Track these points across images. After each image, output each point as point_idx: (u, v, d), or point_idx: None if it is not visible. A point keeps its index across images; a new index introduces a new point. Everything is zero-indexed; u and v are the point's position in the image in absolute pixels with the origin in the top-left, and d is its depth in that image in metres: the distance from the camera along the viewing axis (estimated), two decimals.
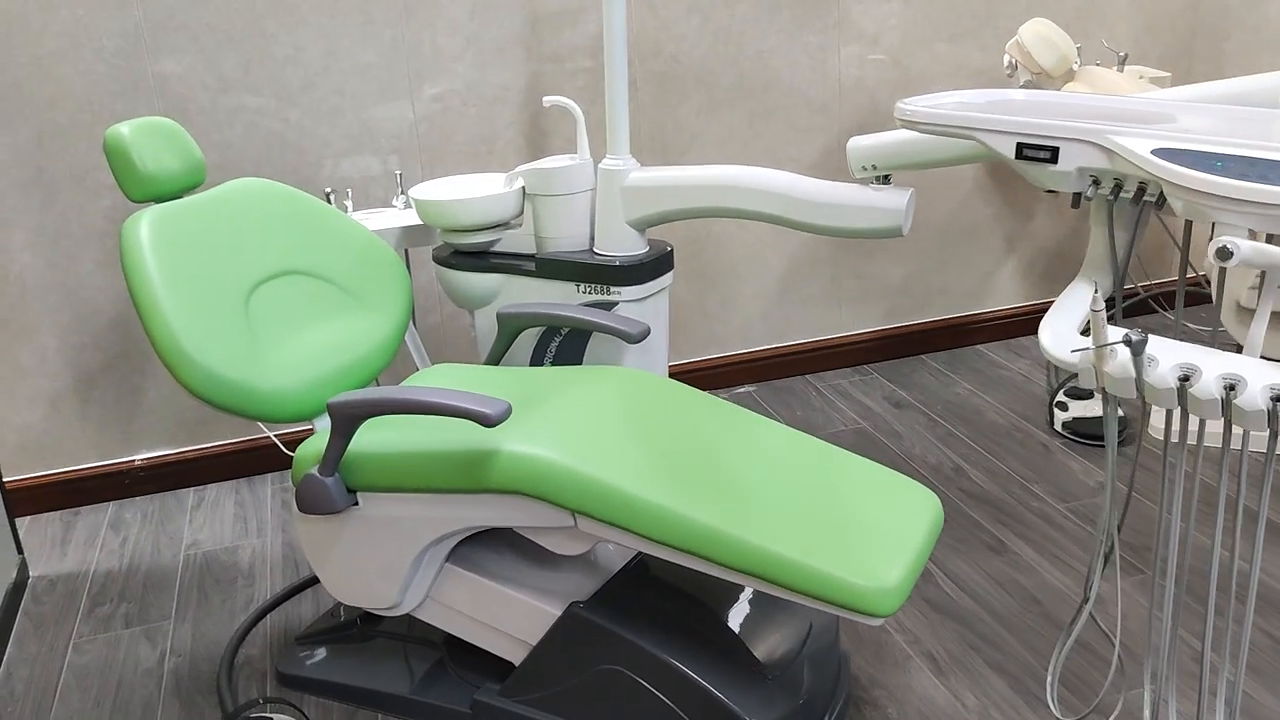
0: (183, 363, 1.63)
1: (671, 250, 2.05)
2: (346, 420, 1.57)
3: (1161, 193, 1.21)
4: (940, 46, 2.84)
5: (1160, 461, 2.44)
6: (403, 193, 2.33)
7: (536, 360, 2.06)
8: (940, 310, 3.10)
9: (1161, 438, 2.54)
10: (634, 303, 1.98)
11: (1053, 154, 1.27)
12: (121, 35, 2.32)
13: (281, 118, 2.45)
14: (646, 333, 1.80)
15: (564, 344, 2.03)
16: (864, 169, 1.76)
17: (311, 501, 1.64)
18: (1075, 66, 2.51)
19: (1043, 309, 3.16)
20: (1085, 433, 2.54)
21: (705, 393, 1.75)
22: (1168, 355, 1.19)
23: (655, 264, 2.00)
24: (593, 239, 2.05)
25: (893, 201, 1.74)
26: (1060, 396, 2.63)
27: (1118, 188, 1.25)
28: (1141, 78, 2.66)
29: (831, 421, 2.74)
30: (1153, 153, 1.17)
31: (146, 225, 1.71)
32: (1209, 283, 3.25)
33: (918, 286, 3.05)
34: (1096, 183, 1.27)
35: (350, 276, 1.92)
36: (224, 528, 2.43)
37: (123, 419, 2.55)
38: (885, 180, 1.76)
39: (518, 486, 1.53)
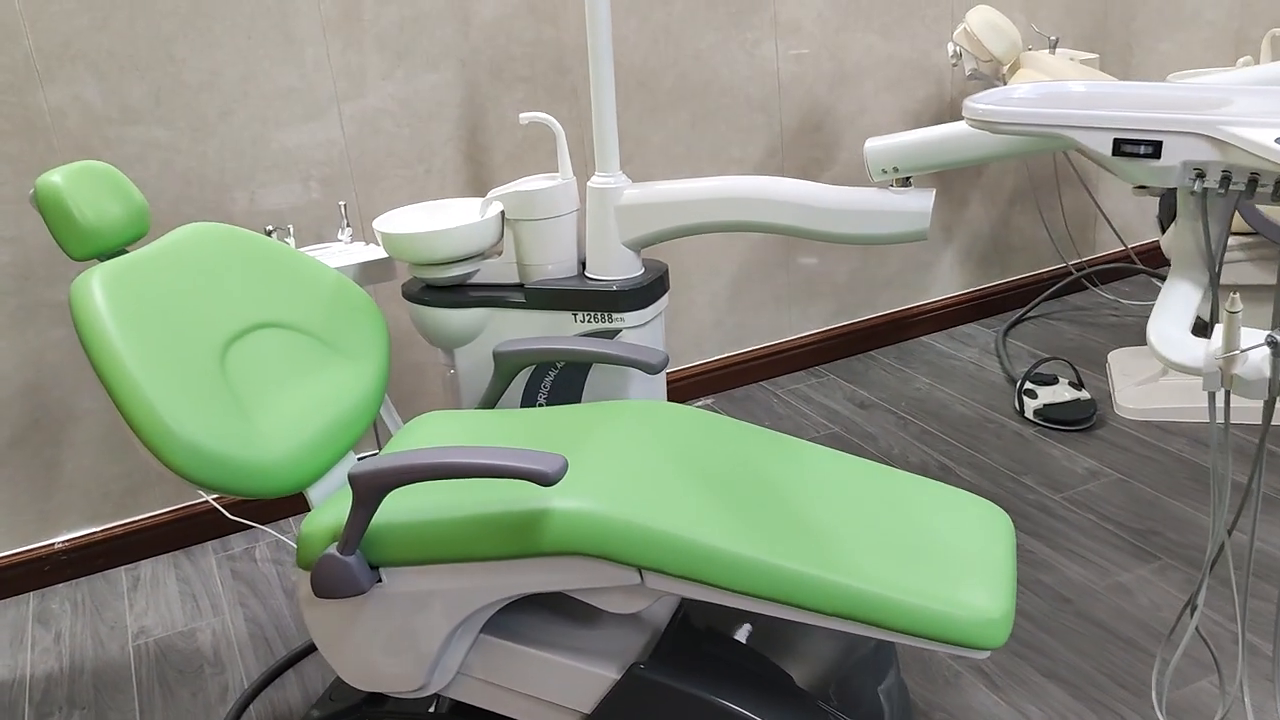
0: (167, 440, 1.41)
1: (667, 269, 1.92)
2: (372, 492, 1.39)
3: (1278, 184, 1.16)
4: (872, 38, 2.79)
5: (1137, 441, 2.45)
6: (348, 225, 2.13)
7: (529, 399, 1.90)
8: (885, 305, 3.07)
9: (1130, 417, 2.55)
10: (637, 329, 1.84)
11: (1155, 148, 1.20)
12: (9, 68, 2.04)
13: (198, 151, 2.21)
14: (666, 361, 1.67)
15: (559, 379, 1.88)
16: (884, 172, 1.67)
17: (332, 585, 1.45)
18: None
19: (979, 296, 3.16)
20: (1058, 418, 2.53)
21: (734, 419, 1.64)
22: None
23: (655, 286, 1.87)
24: (583, 263, 1.90)
25: (918, 204, 1.66)
26: (1027, 384, 2.62)
27: (1225, 180, 1.19)
28: (1073, 59, 2.67)
29: (802, 429, 2.67)
30: (1277, 141, 1.12)
31: (99, 287, 1.48)
32: (1135, 259, 3.32)
33: (862, 282, 3.01)
34: (1200, 176, 1.20)
35: (324, 325, 1.72)
36: (171, 609, 2.18)
37: (38, 497, 2.27)
38: (906, 183, 1.68)
39: (577, 547, 1.38)
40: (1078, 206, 3.24)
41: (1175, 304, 1.25)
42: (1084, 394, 2.57)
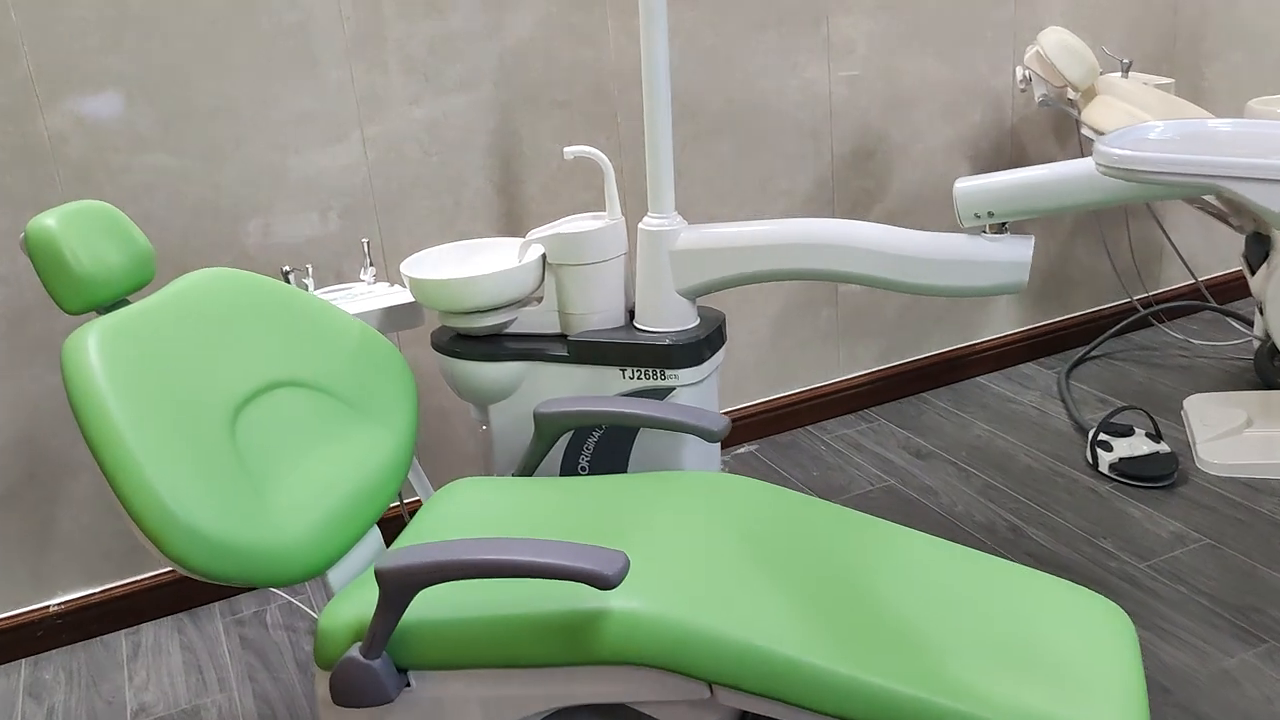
0: (167, 526, 1.23)
1: (724, 319, 1.74)
2: (403, 591, 1.21)
3: None
4: (928, 61, 2.60)
5: (1223, 501, 2.25)
6: (371, 264, 1.95)
7: (569, 464, 1.72)
8: (937, 344, 2.87)
9: (1214, 473, 2.35)
10: (692, 386, 1.66)
11: None
12: (7, 90, 1.87)
13: (211, 182, 2.04)
14: (728, 428, 1.48)
15: (604, 442, 1.70)
16: (976, 216, 1.48)
17: (356, 693, 1.26)
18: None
19: (1038, 334, 2.97)
20: (1136, 474, 2.33)
21: (807, 495, 1.45)
22: None
23: (713, 338, 1.68)
24: (631, 313, 1.72)
25: (1016, 253, 1.47)
26: (1101, 435, 2.42)
27: None
28: (1148, 84, 2.48)
29: (855, 481, 2.47)
30: None
31: (95, 345, 1.30)
32: (1207, 294, 3.12)
33: (914, 320, 2.82)
34: None
35: (347, 383, 1.54)
36: (174, 681, 2.00)
37: (31, 557, 2.09)
38: (1001, 229, 1.50)
39: (638, 657, 1.20)
40: (1141, 236, 3.05)
41: None
42: (1163, 447, 2.37)
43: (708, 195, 2.47)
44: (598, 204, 2.36)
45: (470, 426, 2.35)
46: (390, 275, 2.22)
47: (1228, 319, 3.10)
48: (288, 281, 1.89)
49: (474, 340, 1.75)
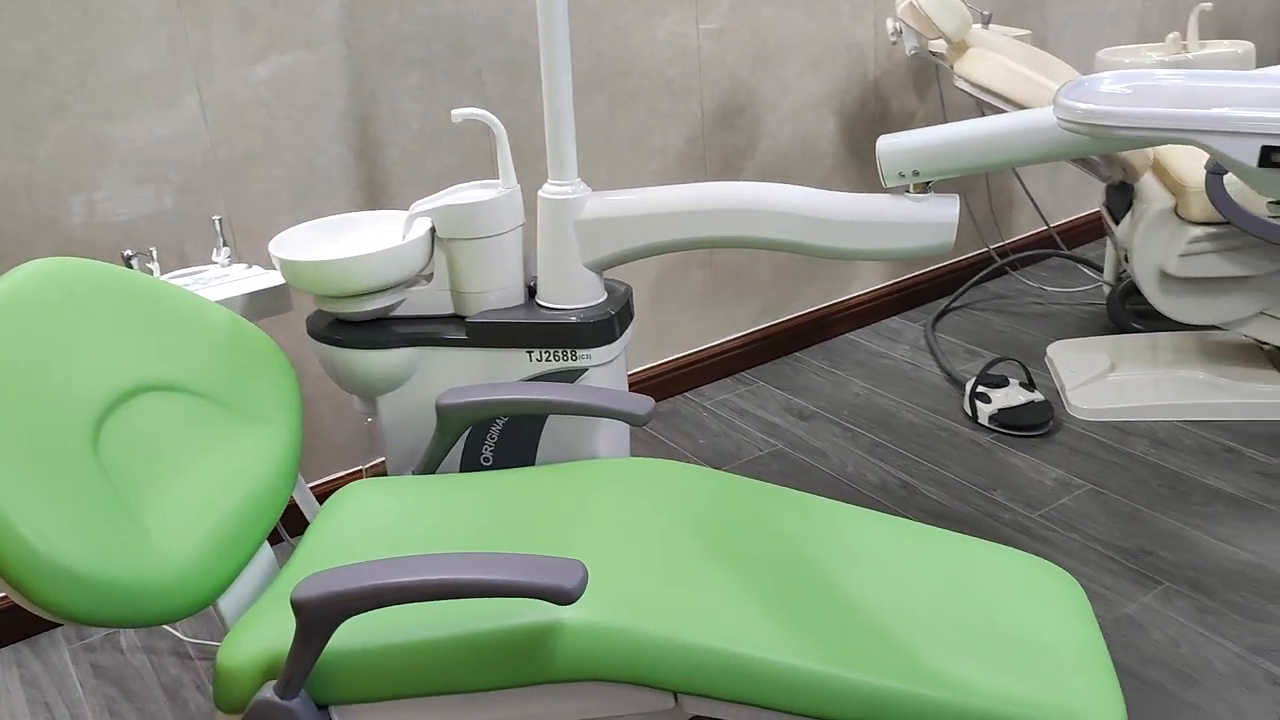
0: (32, 568, 1.04)
1: (631, 291, 1.63)
2: (325, 623, 1.06)
3: None
4: (794, 15, 2.54)
5: (1099, 446, 2.31)
6: (225, 244, 1.75)
7: (471, 458, 1.58)
8: (809, 302, 2.85)
9: (1086, 418, 2.41)
10: (604, 366, 1.54)
11: None
12: None
13: (24, 154, 1.78)
14: (653, 411, 1.38)
15: (508, 432, 1.57)
16: (901, 176, 1.42)
17: None
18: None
19: (903, 287, 2.98)
20: (1013, 424, 2.37)
21: (741, 477, 1.37)
22: None
23: (623, 314, 1.57)
24: (531, 289, 1.59)
25: (942, 214, 1.42)
26: (979, 387, 2.44)
27: None
28: (1006, 35, 2.49)
29: (743, 448, 2.42)
30: None
31: None
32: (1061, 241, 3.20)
33: (787, 279, 2.78)
34: None
35: (220, 381, 1.36)
36: None
37: None
38: (925, 188, 1.44)
39: (598, 672, 1.09)
40: (995, 186, 3.10)
41: None
42: (1038, 396, 2.41)
43: (580, 156, 2.34)
44: (466, 170, 2.20)
45: (341, 416, 2.17)
46: (247, 256, 2.01)
47: (1078, 265, 3.20)
48: (129, 268, 1.67)
49: (358, 326, 1.58)
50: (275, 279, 1.65)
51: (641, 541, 1.23)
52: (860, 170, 2.79)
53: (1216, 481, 2.16)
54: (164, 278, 1.71)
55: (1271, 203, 2.03)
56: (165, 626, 1.96)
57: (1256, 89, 1.13)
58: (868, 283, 2.94)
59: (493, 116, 1.55)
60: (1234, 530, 2.01)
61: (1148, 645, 1.76)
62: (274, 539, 2.13)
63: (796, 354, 2.83)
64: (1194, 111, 1.02)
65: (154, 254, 1.69)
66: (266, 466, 1.34)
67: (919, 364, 2.73)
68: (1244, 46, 2.63)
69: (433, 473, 1.49)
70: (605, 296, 1.58)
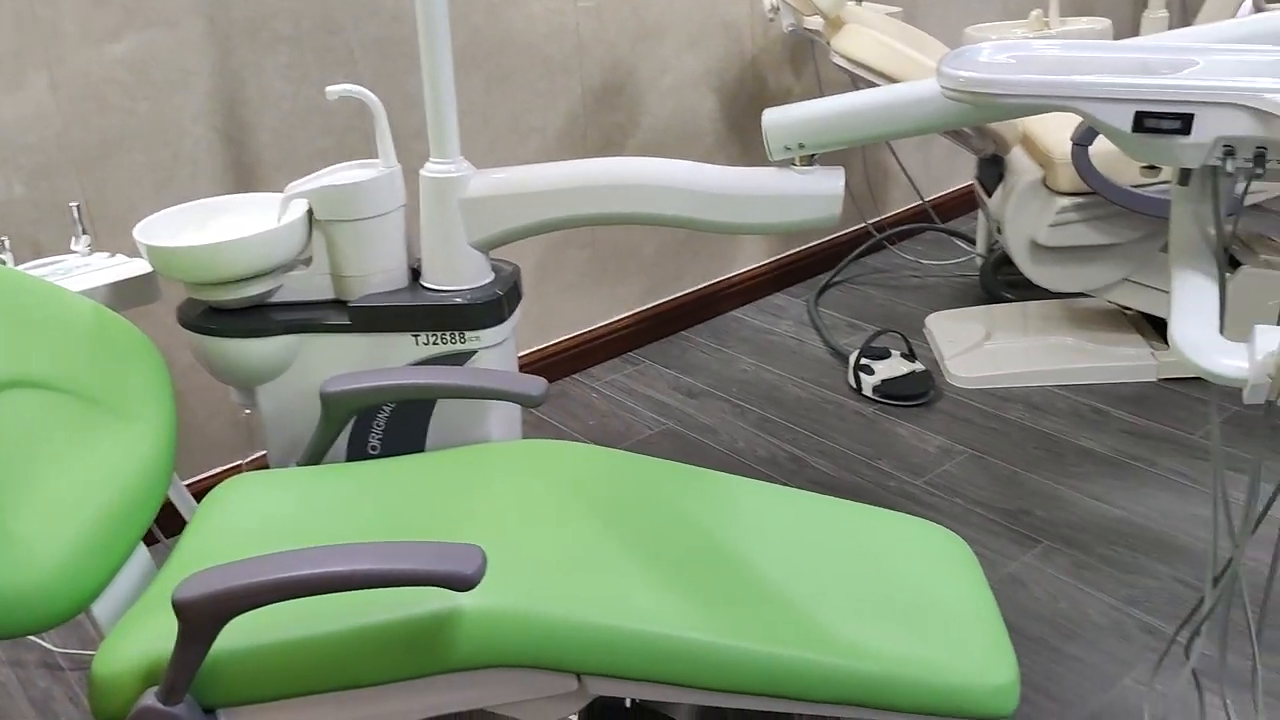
0: None
1: (519, 271, 1.59)
2: (211, 623, 1.01)
3: None
4: None
5: (978, 413, 2.37)
6: (85, 232, 1.65)
7: (358, 447, 1.53)
8: (693, 280, 2.85)
9: (964, 386, 2.48)
10: (494, 348, 1.51)
11: (1185, 123, 1.02)
12: None
13: None
14: (547, 391, 1.36)
15: (395, 418, 1.52)
16: (787, 149, 1.42)
17: None
18: None
19: (785, 264, 3.01)
20: (896, 394, 2.42)
21: (639, 455, 1.36)
22: None
23: (511, 295, 1.54)
24: (415, 271, 1.54)
25: (828, 186, 1.42)
26: (862, 360, 2.49)
27: (1260, 158, 1.02)
28: (879, 13, 2.53)
29: (633, 427, 2.41)
30: None
31: None
32: (935, 215, 3.28)
33: (671, 257, 2.78)
34: (1230, 153, 1.03)
35: (87, 376, 1.28)
36: None
37: None
38: (810, 161, 1.44)
39: (500, 658, 1.07)
40: (871, 161, 3.15)
41: (1194, 302, 1.08)
42: (918, 366, 2.47)
43: (461, 136, 2.29)
44: (341, 151, 2.13)
45: (216, 409, 2.08)
46: (107, 244, 1.91)
47: (952, 238, 3.28)
48: None
49: (233, 314, 1.51)
50: (141, 267, 1.56)
51: (539, 523, 1.21)
52: (740, 147, 2.80)
53: (1087, 442, 2.24)
54: (18, 269, 1.61)
55: (1144, 167, 2.11)
56: (32, 637, 1.85)
57: (1127, 58, 1.17)
58: (750, 260, 2.96)
59: (370, 93, 1.50)
60: (1105, 488, 2.10)
61: (1030, 602, 1.82)
62: (150, 540, 2.04)
63: (683, 332, 2.84)
64: (1073, 78, 1.04)
65: (5, 244, 1.59)
66: (138, 465, 1.28)
67: (803, 339, 2.76)
68: (1102, 23, 2.73)
69: (318, 464, 1.44)
70: (493, 277, 1.55)
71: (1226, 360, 1.04)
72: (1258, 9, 2.43)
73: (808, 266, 3.07)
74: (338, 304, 1.53)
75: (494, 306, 1.49)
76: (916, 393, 2.41)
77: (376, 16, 2.11)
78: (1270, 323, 1.52)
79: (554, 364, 2.60)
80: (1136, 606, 1.79)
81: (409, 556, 0.99)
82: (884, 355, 2.51)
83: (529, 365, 2.56)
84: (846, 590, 1.18)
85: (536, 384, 1.36)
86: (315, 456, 1.42)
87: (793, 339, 2.77)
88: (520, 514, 1.22)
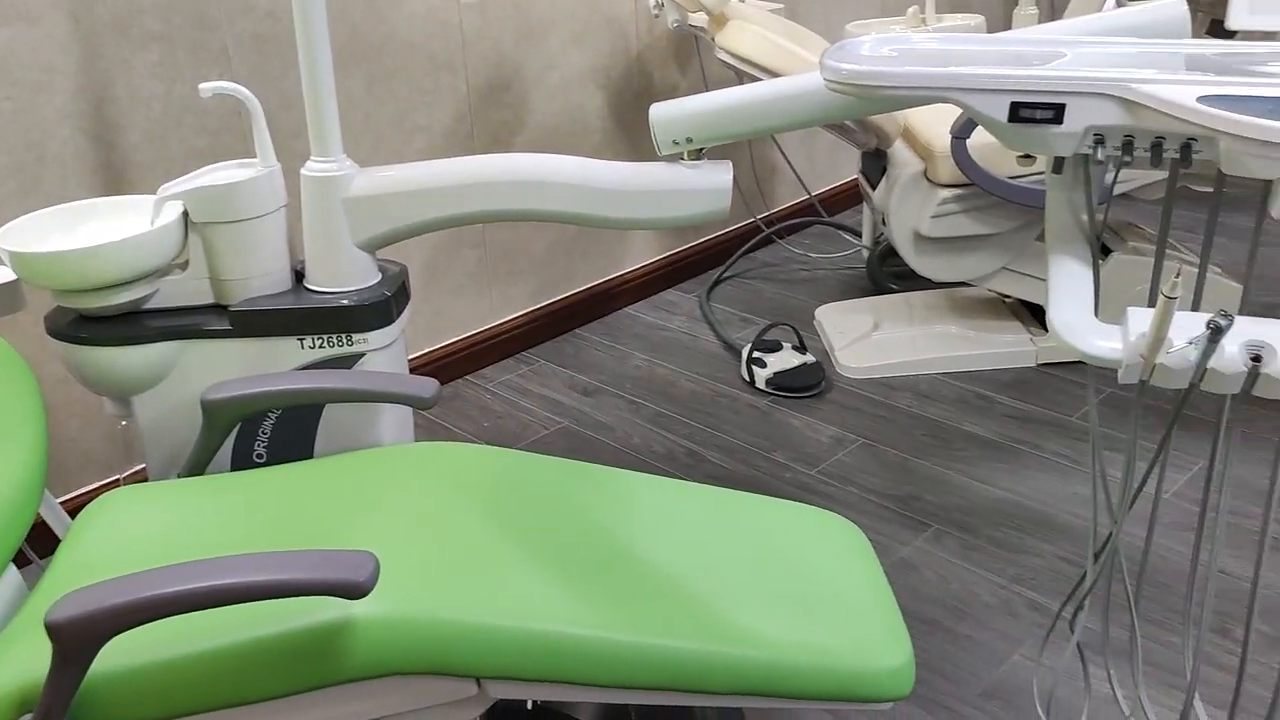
0: None
1: (407, 270, 1.56)
2: (87, 644, 0.96)
3: (1186, 147, 1.04)
4: None
5: (867, 402, 2.42)
6: None
7: (242, 456, 1.49)
8: (585, 278, 2.84)
9: (854, 376, 2.52)
10: (383, 350, 1.48)
11: (1058, 113, 1.05)
12: None
13: None
14: (439, 392, 1.33)
15: (281, 425, 1.48)
16: (675, 143, 1.42)
17: None
18: None
19: (676, 260, 3.03)
20: (788, 386, 2.45)
21: (537, 454, 1.35)
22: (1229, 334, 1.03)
23: (399, 295, 1.51)
24: (298, 273, 1.50)
25: (716, 180, 1.43)
26: (754, 353, 2.51)
27: (1128, 146, 1.06)
28: (761, 9, 2.56)
29: (528, 428, 2.39)
30: (1200, 100, 0.99)
31: None
32: (821, 209, 3.33)
33: (562, 256, 2.77)
34: (1100, 142, 1.07)
35: None
36: None
37: None
38: (699, 155, 1.45)
39: (396, 666, 1.04)
40: (758, 157, 3.19)
41: (1070, 287, 1.12)
42: (809, 358, 2.50)
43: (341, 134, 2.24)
44: (216, 151, 2.06)
45: (90, 422, 1.99)
46: None
47: (839, 231, 3.34)
48: None
49: (105, 321, 1.45)
50: (5, 275, 1.49)
51: (434, 527, 1.19)
52: (629, 143, 2.81)
53: (972, 427, 2.30)
54: None
55: (1020, 157, 2.17)
56: None
57: (1002, 51, 1.20)
58: (642, 257, 2.97)
59: (246, 90, 1.45)
60: (990, 471, 2.16)
61: (922, 585, 1.86)
62: (21, 562, 1.94)
63: (576, 331, 2.83)
64: (952, 70, 1.06)
65: None
66: (7, 483, 1.21)
67: (696, 334, 2.78)
68: (975, 19, 2.80)
69: (200, 475, 1.39)
70: (380, 277, 1.52)
71: (1102, 342, 1.07)
72: (1120, 4, 2.54)
73: (699, 262, 3.09)
74: (218, 309, 1.48)
75: (381, 308, 1.46)
76: (808, 384, 2.44)
77: (252, 13, 2.05)
78: (1141, 306, 1.58)
79: (446, 365, 2.57)
80: (1023, 585, 1.85)
81: (297, 566, 0.96)
82: (776, 348, 2.53)
83: (420, 368, 2.52)
84: (743, 581, 1.19)
85: (427, 385, 1.33)
86: (197, 467, 1.37)
87: (686, 334, 2.78)
88: (413, 518, 1.19)
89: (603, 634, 1.08)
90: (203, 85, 1.41)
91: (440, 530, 1.18)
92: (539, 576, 1.14)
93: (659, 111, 1.42)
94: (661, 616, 1.11)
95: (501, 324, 2.67)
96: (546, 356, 2.70)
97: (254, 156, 1.69)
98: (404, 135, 2.35)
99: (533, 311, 2.73)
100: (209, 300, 1.48)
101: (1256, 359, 1.02)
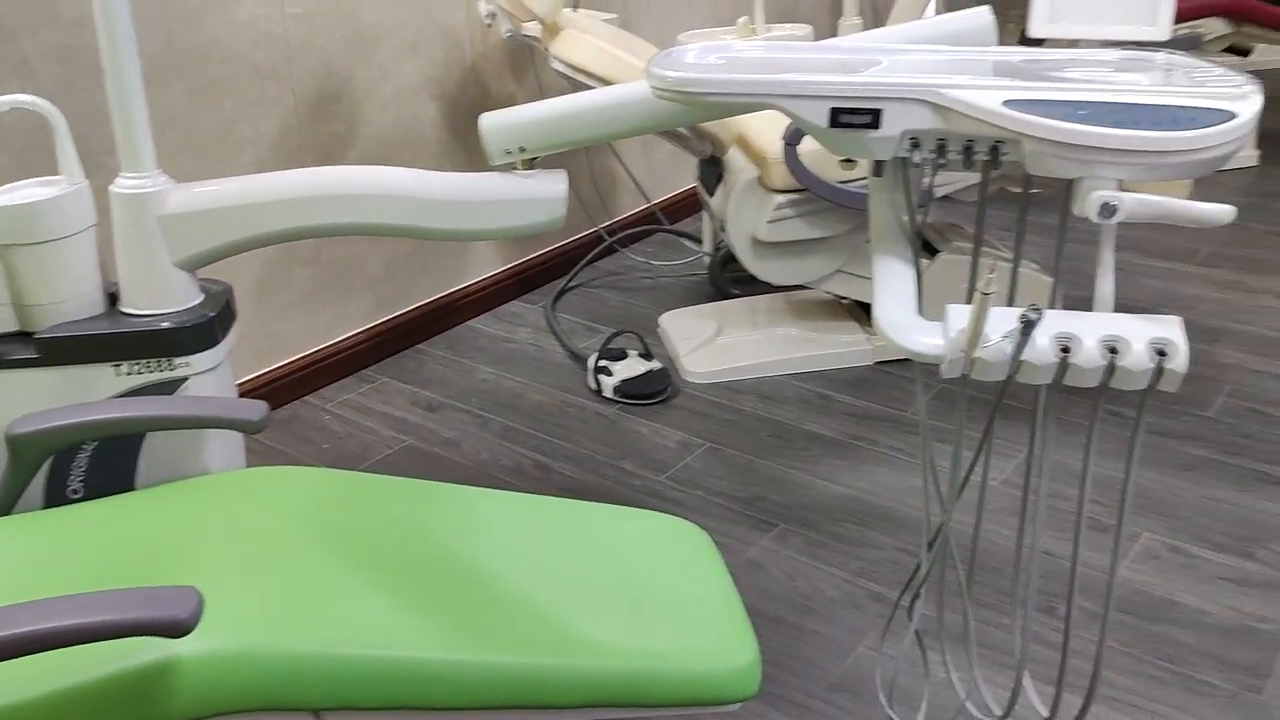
0: None
1: (231, 290, 1.50)
2: None
3: (994, 149, 1.09)
4: None
5: (713, 406, 2.45)
6: None
7: (56, 492, 1.40)
8: (426, 292, 2.80)
9: (699, 381, 2.55)
10: (207, 374, 1.41)
11: (875, 118, 1.08)
12: None
13: None
14: (269, 415, 1.28)
15: (99, 457, 1.40)
16: (508, 153, 1.40)
17: None
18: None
19: (519, 271, 3.01)
20: (635, 393, 2.46)
21: (373, 475, 1.31)
22: (1041, 327, 1.08)
23: (224, 315, 1.44)
24: (112, 296, 1.42)
25: (551, 189, 1.42)
26: (600, 361, 2.52)
27: (940, 149, 1.10)
28: (595, 18, 2.57)
29: (371, 448, 2.33)
30: (1005, 105, 1.04)
31: None
32: (662, 217, 3.36)
33: (400, 270, 2.71)
34: (915, 145, 1.10)
35: None
36: None
37: None
38: (532, 164, 1.43)
39: (227, 705, 1.00)
40: (598, 167, 3.20)
41: (894, 287, 1.15)
42: (655, 364, 2.52)
43: (159, 150, 2.14)
44: (20, 169, 1.94)
45: None
46: None
47: (680, 238, 3.37)
48: None
49: None
50: None
51: (265, 556, 1.14)
52: (466, 154, 2.77)
53: (814, 426, 2.36)
54: None
55: (842, 161, 2.24)
56: None
57: (824, 58, 1.23)
58: (484, 269, 2.93)
59: (47, 103, 1.37)
60: (832, 468, 2.21)
61: (769, 583, 1.89)
62: None
63: (419, 346, 2.78)
64: (774, 77, 1.08)
65: None
66: None
67: (542, 345, 2.76)
68: (803, 28, 2.88)
69: (8, 514, 1.29)
70: (202, 298, 1.45)
71: (925, 339, 1.11)
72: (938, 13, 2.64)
73: (543, 273, 3.08)
74: (22, 336, 1.38)
75: (204, 329, 1.39)
76: (655, 391, 2.46)
77: (56, 23, 1.94)
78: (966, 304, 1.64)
79: (282, 387, 2.48)
80: (866, 578, 1.90)
81: (113, 606, 0.90)
82: (621, 356, 2.54)
83: (254, 390, 2.43)
84: (589, 593, 1.18)
85: (256, 408, 1.28)
86: (4, 507, 1.28)
87: (531, 345, 2.76)
88: (243, 548, 1.14)
89: (446, 655, 1.05)
90: (1, 99, 1.32)
91: (271, 559, 1.14)
92: (378, 601, 1.11)
93: (489, 121, 1.40)
94: (507, 634, 1.10)
95: (339, 342, 2.60)
96: (388, 374, 2.64)
97: (60, 173, 1.59)
98: (230, 149, 2.26)
99: (372, 328, 2.67)
100: (13, 328, 1.38)
101: (1065, 350, 1.07)
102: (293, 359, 2.51)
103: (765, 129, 2.39)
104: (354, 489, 1.29)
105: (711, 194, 2.54)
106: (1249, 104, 1.03)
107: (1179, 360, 1.04)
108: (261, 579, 1.10)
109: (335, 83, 2.43)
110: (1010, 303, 1.28)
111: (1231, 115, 1.01)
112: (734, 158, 2.43)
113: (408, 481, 1.34)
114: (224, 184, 1.42)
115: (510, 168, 1.44)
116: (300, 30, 2.33)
